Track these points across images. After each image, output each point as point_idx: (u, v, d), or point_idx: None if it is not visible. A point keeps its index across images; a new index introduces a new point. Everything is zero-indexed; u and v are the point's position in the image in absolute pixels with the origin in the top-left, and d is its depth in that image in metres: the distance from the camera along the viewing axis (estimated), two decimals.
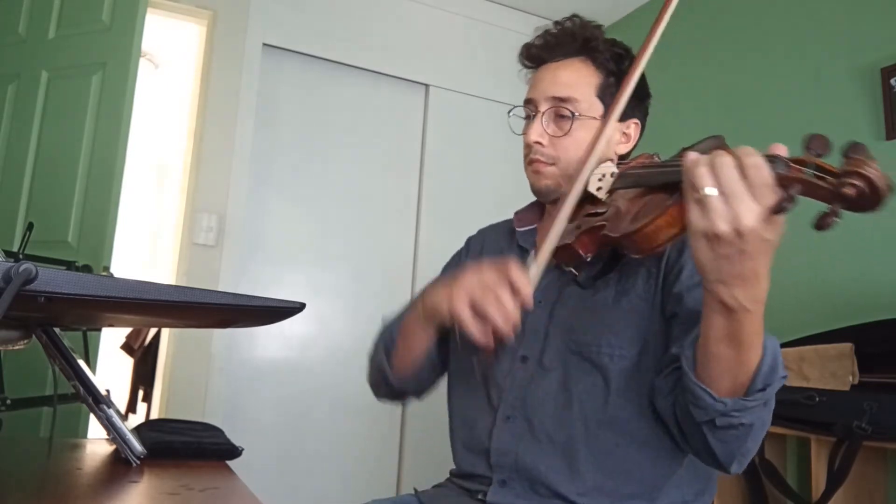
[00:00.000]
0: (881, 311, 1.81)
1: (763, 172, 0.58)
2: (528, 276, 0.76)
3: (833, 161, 0.57)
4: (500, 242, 1.10)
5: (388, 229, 2.83)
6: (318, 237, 2.71)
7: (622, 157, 1.01)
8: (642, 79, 1.00)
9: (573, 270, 0.89)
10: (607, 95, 0.97)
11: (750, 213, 0.59)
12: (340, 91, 2.81)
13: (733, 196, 0.59)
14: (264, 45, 2.64)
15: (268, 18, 2.65)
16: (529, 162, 0.98)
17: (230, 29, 2.59)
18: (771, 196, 0.58)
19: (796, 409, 1.69)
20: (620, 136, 1.00)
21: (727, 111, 2.49)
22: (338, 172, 2.77)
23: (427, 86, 2.96)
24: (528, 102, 0.99)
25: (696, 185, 0.61)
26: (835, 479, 1.59)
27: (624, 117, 0.98)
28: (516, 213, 1.10)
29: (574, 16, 1.01)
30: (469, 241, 1.19)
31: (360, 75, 2.84)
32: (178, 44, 3.66)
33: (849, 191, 0.53)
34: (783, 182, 0.58)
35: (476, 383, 1.00)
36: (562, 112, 0.95)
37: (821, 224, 0.55)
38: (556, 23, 1.01)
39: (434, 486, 1.05)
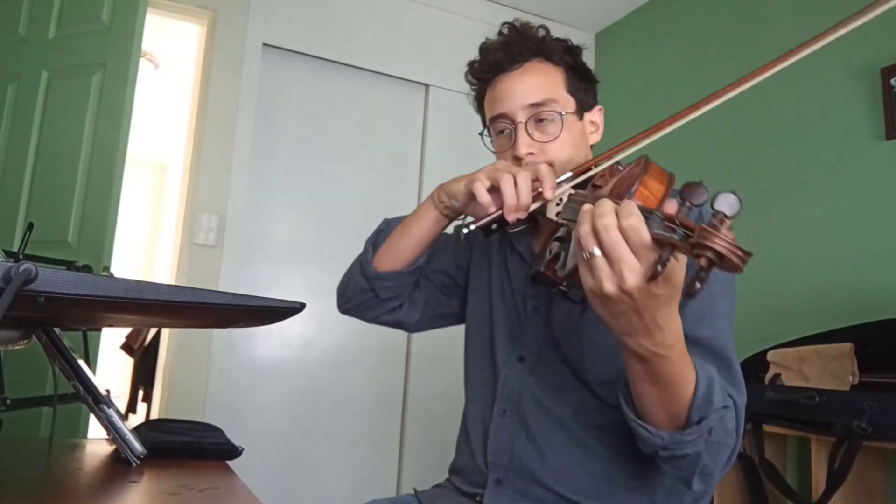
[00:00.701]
0: (881, 311, 1.81)
1: (640, 234, 0.58)
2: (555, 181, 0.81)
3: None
4: (502, 245, 1.08)
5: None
6: (318, 237, 2.71)
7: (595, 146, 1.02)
8: (585, 64, 1.01)
9: (561, 288, 0.88)
10: (574, 89, 0.97)
11: (632, 273, 0.58)
12: (340, 91, 2.81)
13: (615, 259, 0.59)
14: (264, 45, 2.64)
15: (268, 18, 2.65)
16: None
17: (230, 29, 2.59)
18: (652, 256, 0.58)
19: (796, 409, 1.69)
20: (591, 126, 1.01)
21: (727, 111, 2.49)
22: (338, 172, 2.77)
23: (427, 86, 2.96)
24: (501, 117, 0.95)
25: (583, 247, 0.61)
26: (835, 479, 1.59)
27: (588, 107, 0.99)
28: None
29: (514, 22, 0.99)
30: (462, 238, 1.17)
31: (360, 75, 2.84)
32: (178, 44, 3.66)
33: (700, 260, 0.53)
34: (658, 242, 0.58)
35: (481, 373, 1.00)
36: (543, 116, 0.93)
37: (686, 290, 0.53)
38: (500, 32, 0.99)
39: (434, 486, 1.05)
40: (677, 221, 0.57)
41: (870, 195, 1.97)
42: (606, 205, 0.60)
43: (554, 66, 0.96)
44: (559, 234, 0.81)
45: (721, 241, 0.52)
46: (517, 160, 0.93)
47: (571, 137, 0.94)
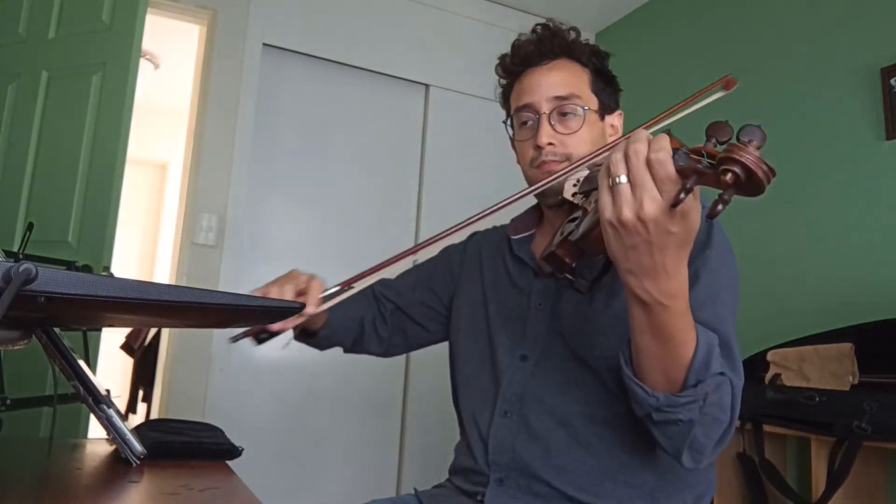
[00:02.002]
0: (881, 311, 1.81)
1: (666, 167, 0.59)
2: (324, 292, 0.91)
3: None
4: (494, 255, 1.10)
5: (388, 229, 2.83)
6: (318, 237, 2.71)
7: None
8: (610, 70, 1.05)
9: (569, 276, 0.89)
10: (598, 90, 1.00)
11: (652, 202, 0.60)
12: (340, 91, 2.81)
13: (639, 185, 0.60)
14: (264, 45, 2.64)
15: (268, 18, 2.65)
16: (539, 164, 0.97)
17: (230, 29, 2.59)
18: (674, 189, 0.59)
19: (796, 409, 1.69)
20: (610, 129, 1.03)
21: (727, 112, 2.49)
22: (338, 172, 2.77)
23: (427, 86, 2.96)
24: (526, 108, 0.99)
25: (611, 172, 0.63)
26: (835, 479, 1.59)
27: (609, 110, 1.02)
28: (512, 221, 1.11)
29: (547, 21, 1.03)
30: (467, 243, 1.19)
31: (360, 75, 2.84)
32: (178, 44, 3.66)
33: (726, 177, 0.54)
34: (682, 173, 0.59)
35: (478, 381, 1.00)
36: (567, 109, 0.96)
37: (710, 213, 0.55)
38: (534, 30, 1.03)
39: (434, 486, 1.05)
40: (704, 152, 0.58)
41: (870, 195, 1.97)
42: (642, 133, 0.62)
43: (581, 67, 1.00)
44: (571, 217, 0.82)
45: (748, 156, 0.53)
46: (538, 149, 0.96)
47: (591, 134, 0.97)
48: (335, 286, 0.88)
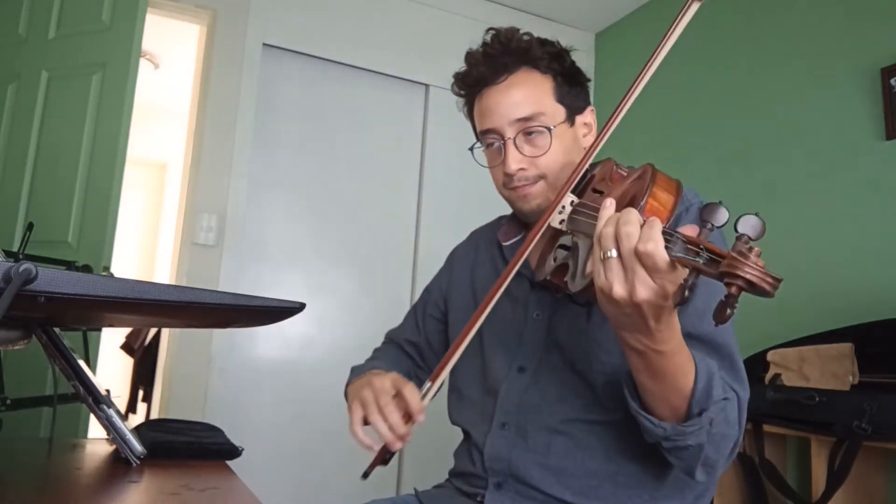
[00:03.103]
0: (881, 311, 1.81)
1: (656, 260, 0.58)
2: (420, 395, 0.82)
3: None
4: (485, 259, 1.08)
5: (388, 229, 2.83)
6: (318, 237, 2.71)
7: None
8: (575, 65, 0.98)
9: (568, 293, 0.88)
10: (563, 96, 0.94)
11: (644, 288, 0.60)
12: (340, 91, 2.81)
13: (630, 270, 0.60)
14: (264, 45, 2.64)
15: (268, 18, 2.65)
16: (513, 188, 0.93)
17: (230, 29, 2.59)
18: (667, 276, 0.59)
19: (796, 409, 1.69)
20: (584, 128, 0.99)
21: (727, 112, 2.49)
22: (338, 172, 2.77)
23: (427, 86, 2.96)
24: (490, 132, 0.94)
25: (602, 246, 0.62)
26: (835, 479, 1.59)
27: (579, 110, 0.97)
28: (502, 223, 1.08)
29: (493, 30, 0.97)
30: (453, 255, 1.17)
31: (360, 75, 2.84)
32: (178, 44, 3.66)
33: (731, 290, 0.53)
34: (681, 264, 0.58)
35: (472, 392, 1.00)
36: (532, 130, 0.91)
37: (718, 319, 0.53)
38: (483, 44, 0.96)
39: (434, 487, 1.05)
40: (701, 245, 0.56)
41: (870, 195, 1.97)
42: (633, 214, 0.61)
43: (541, 75, 0.94)
44: (562, 241, 0.81)
45: (752, 270, 0.52)
46: (508, 176, 0.92)
47: (563, 146, 0.93)
48: (426, 384, 0.84)
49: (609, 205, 0.65)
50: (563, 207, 0.80)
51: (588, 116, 0.99)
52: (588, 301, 0.87)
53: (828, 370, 1.69)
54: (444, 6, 3.02)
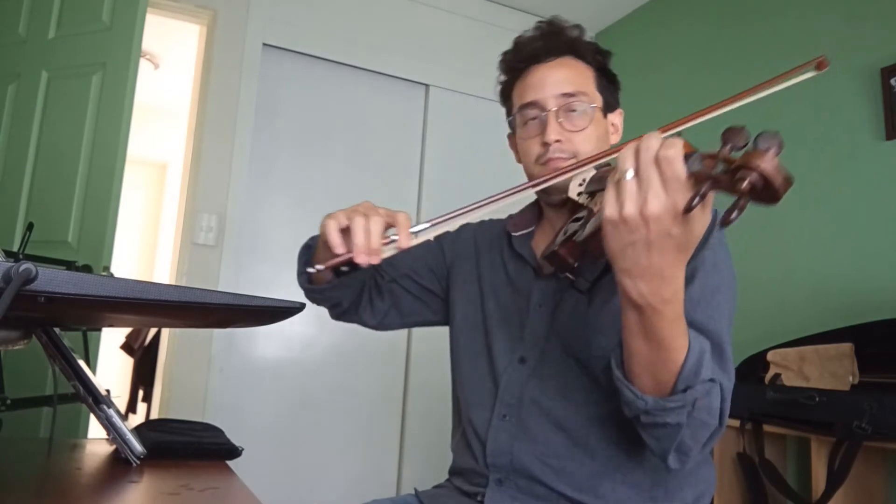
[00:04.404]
0: (881, 311, 1.81)
1: (674, 166, 0.58)
2: (412, 228, 0.80)
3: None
4: (492, 250, 1.08)
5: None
6: None
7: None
8: (613, 71, 1.04)
9: (569, 276, 0.89)
10: (602, 88, 1.00)
11: (657, 200, 0.59)
12: (340, 91, 2.81)
13: (645, 181, 0.60)
14: (264, 45, 2.64)
15: (268, 18, 2.65)
16: (545, 161, 0.95)
17: (230, 29, 2.59)
18: (681, 191, 0.58)
19: (796, 409, 1.69)
20: (611, 128, 1.02)
21: (727, 112, 2.49)
22: (338, 172, 2.77)
23: (427, 86, 2.96)
24: (532, 105, 0.97)
25: (619, 168, 0.62)
26: (835, 479, 1.59)
27: (612, 108, 1.02)
28: (511, 217, 1.09)
29: (554, 18, 1.03)
30: (459, 233, 1.17)
31: (360, 75, 2.84)
32: (178, 44, 3.66)
33: (742, 185, 0.53)
34: (696, 178, 0.58)
35: (476, 379, 1.00)
36: (574, 107, 0.95)
37: (724, 220, 0.54)
38: (538, 26, 1.02)
39: (434, 487, 1.05)
40: (719, 158, 0.57)
41: (870, 195, 1.97)
42: (655, 134, 0.62)
43: (585, 65, 0.99)
44: (578, 215, 0.82)
45: (766, 164, 0.52)
46: (545, 146, 0.95)
47: (597, 132, 0.96)
48: (424, 223, 0.82)
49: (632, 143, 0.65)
50: (584, 180, 0.83)
51: (617, 118, 1.04)
52: (589, 288, 0.88)
53: (828, 370, 1.69)
54: (444, 6, 3.02)
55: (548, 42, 0.99)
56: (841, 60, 2.10)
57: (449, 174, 2.93)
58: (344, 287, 1.03)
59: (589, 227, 0.72)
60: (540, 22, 1.02)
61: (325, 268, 0.83)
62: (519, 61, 1.01)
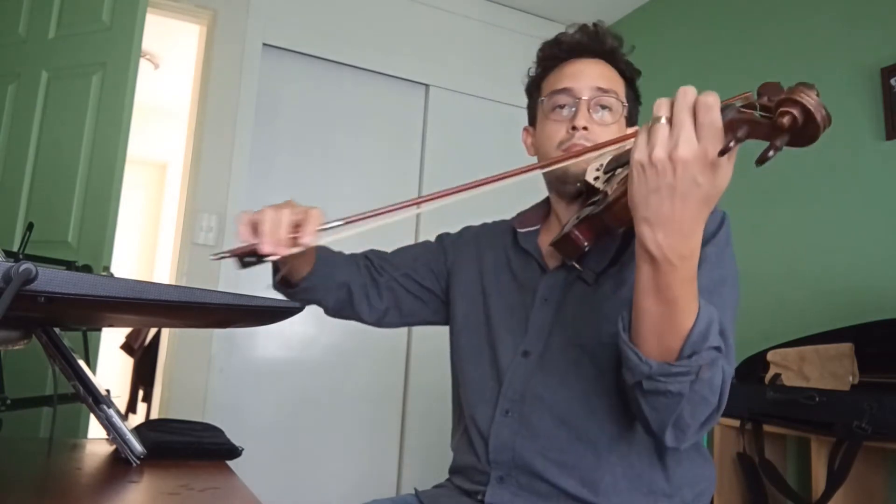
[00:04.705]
0: (881, 311, 1.81)
1: (710, 113, 0.60)
2: (322, 225, 0.81)
3: None
4: (496, 248, 1.09)
5: (388, 229, 2.82)
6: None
7: None
8: (637, 89, 1.08)
9: (576, 265, 0.89)
10: (630, 100, 1.03)
11: (687, 144, 0.60)
12: (340, 91, 2.81)
13: (678, 125, 0.61)
14: (264, 45, 2.64)
15: (268, 18, 2.65)
16: (568, 147, 0.96)
17: (230, 29, 2.59)
18: (714, 139, 0.60)
19: (796, 409, 1.69)
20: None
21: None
22: (337, 172, 2.77)
23: (427, 86, 2.96)
24: (565, 91, 0.99)
25: (653, 115, 0.63)
26: (835, 479, 1.59)
27: (631, 122, 1.04)
28: (518, 215, 1.10)
29: (599, 22, 1.06)
30: (461, 234, 1.17)
31: (360, 75, 2.84)
32: (178, 44, 3.66)
33: (784, 119, 0.55)
34: (732, 126, 0.59)
35: (479, 378, 1.00)
36: (606, 102, 0.98)
37: (760, 158, 0.55)
38: (582, 27, 1.04)
39: (434, 486, 1.05)
40: (757, 104, 0.59)
41: (870, 195, 1.97)
42: (690, 87, 0.63)
43: (616, 73, 1.02)
44: (593, 198, 0.83)
45: (810, 98, 0.55)
46: (572, 131, 0.96)
47: (619, 132, 0.98)
48: (336, 220, 0.83)
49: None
50: (601, 165, 0.85)
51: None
52: (595, 278, 0.89)
53: (828, 370, 1.69)
54: (444, 6, 3.02)
55: (590, 42, 1.02)
56: (841, 60, 2.10)
57: (449, 174, 2.92)
58: (318, 290, 1.06)
59: (609, 198, 0.73)
60: (585, 24, 1.05)
61: (229, 254, 0.85)
62: (563, 50, 1.03)
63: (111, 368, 4.03)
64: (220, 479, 0.83)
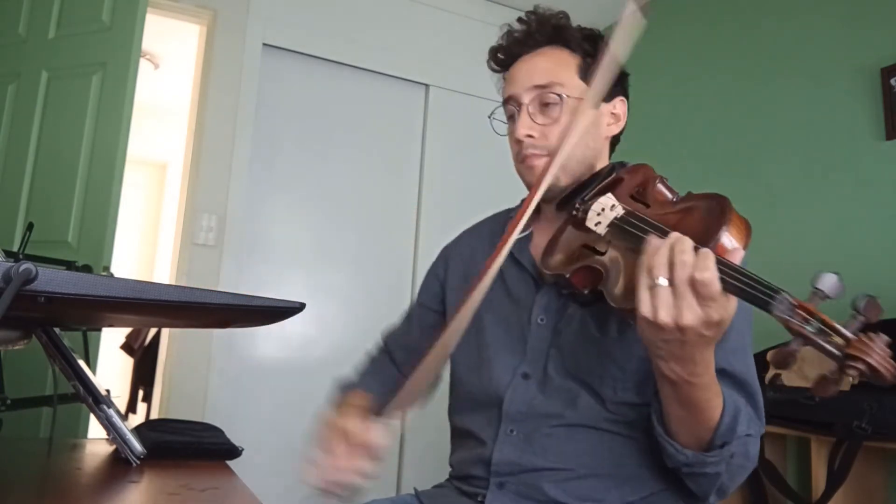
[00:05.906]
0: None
1: (710, 289, 0.60)
2: (377, 434, 0.81)
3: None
4: (487, 251, 1.01)
5: (388, 229, 2.83)
6: (318, 237, 2.71)
7: (615, 138, 0.99)
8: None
9: (572, 293, 0.87)
10: (588, 75, 0.92)
11: (692, 315, 0.62)
12: (340, 91, 2.81)
13: (680, 297, 0.62)
14: (264, 45, 2.64)
15: (268, 18, 2.65)
16: (522, 159, 0.93)
17: (230, 29, 2.59)
18: (716, 303, 0.61)
19: (796, 409, 1.69)
20: (609, 118, 0.97)
21: (728, 112, 2.49)
22: (338, 172, 2.77)
23: (427, 86, 2.96)
24: (509, 100, 0.95)
25: (652, 273, 0.63)
26: (835, 479, 1.58)
27: (608, 97, 0.95)
28: (509, 212, 1.07)
29: (536, 7, 0.98)
30: (447, 252, 1.13)
31: (360, 75, 2.84)
32: (178, 44, 3.66)
33: (851, 372, 0.54)
34: (788, 326, 0.58)
35: (476, 396, 0.97)
36: (547, 99, 0.91)
37: (819, 391, 0.55)
38: (520, 19, 0.98)
39: (434, 486, 1.05)
40: (816, 315, 0.57)
41: (870, 195, 1.97)
42: (687, 242, 0.62)
43: (570, 53, 0.94)
44: (590, 242, 0.78)
45: (878, 357, 0.52)
46: (519, 144, 0.92)
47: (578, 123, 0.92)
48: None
49: (655, 241, 0.64)
50: (603, 210, 0.79)
51: (618, 107, 0.98)
52: (591, 301, 0.86)
53: (827, 370, 1.69)
54: (444, 6, 3.02)
55: (529, 34, 0.96)
56: (841, 60, 2.10)
57: (449, 174, 2.93)
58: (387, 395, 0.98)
59: (619, 300, 0.70)
60: (527, 11, 0.98)
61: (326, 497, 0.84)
62: (501, 57, 0.99)
63: (111, 368, 4.03)
64: (220, 479, 0.83)
